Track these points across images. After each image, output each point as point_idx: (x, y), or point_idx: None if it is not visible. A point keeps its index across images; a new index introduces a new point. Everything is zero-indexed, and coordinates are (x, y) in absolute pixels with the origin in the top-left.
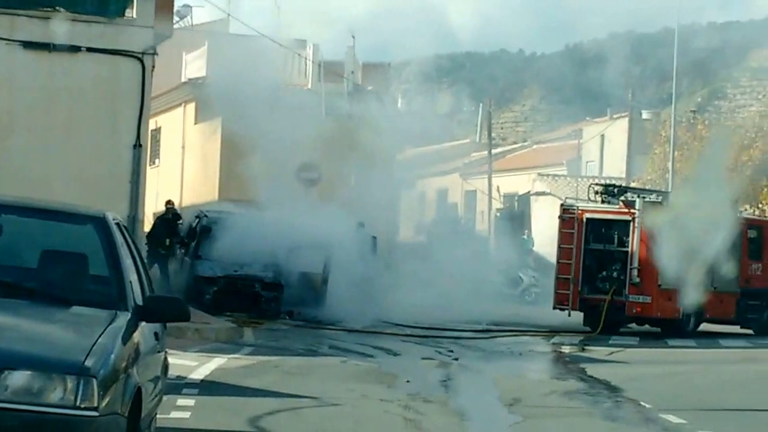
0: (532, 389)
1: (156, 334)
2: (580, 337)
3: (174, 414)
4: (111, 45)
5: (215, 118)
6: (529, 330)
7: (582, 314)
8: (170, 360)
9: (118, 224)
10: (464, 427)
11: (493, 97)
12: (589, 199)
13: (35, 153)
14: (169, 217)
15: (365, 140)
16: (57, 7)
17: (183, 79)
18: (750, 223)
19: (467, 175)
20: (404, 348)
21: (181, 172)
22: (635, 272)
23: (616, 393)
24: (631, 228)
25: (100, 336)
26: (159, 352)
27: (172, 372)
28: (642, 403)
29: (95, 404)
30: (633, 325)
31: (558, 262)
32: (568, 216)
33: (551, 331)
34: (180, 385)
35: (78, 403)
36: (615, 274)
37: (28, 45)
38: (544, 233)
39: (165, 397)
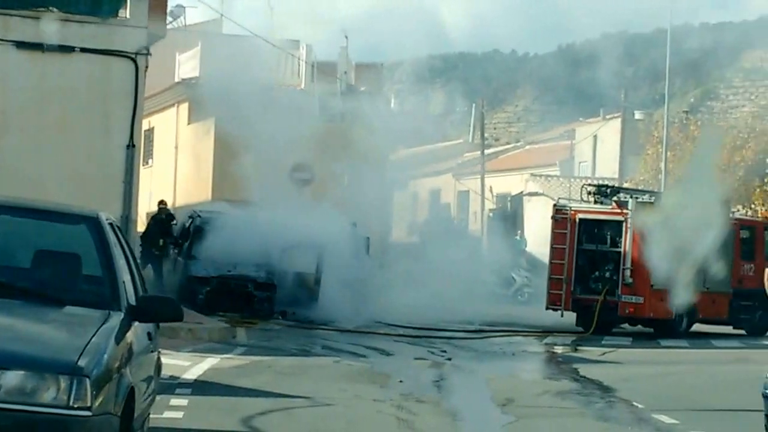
0: (524, 389)
1: (149, 334)
2: (573, 337)
3: (167, 414)
4: (104, 45)
5: (208, 119)
6: (522, 330)
7: (575, 314)
8: (163, 360)
9: (111, 224)
10: (457, 427)
11: (486, 97)
12: (582, 199)
13: (28, 153)
14: (162, 218)
15: (358, 140)
16: (50, 8)
17: (176, 80)
18: (742, 224)
19: (460, 176)
20: (397, 348)
21: (175, 172)
22: (628, 272)
23: (608, 393)
24: (623, 228)
25: (93, 336)
26: (152, 352)
27: (165, 372)
28: (634, 404)
29: (88, 404)
30: (626, 326)
31: (551, 263)
32: (560, 216)
33: (544, 332)
34: (173, 385)
35: (71, 403)
36: (608, 274)
37: (21, 45)
38: (537, 233)
39: (158, 397)
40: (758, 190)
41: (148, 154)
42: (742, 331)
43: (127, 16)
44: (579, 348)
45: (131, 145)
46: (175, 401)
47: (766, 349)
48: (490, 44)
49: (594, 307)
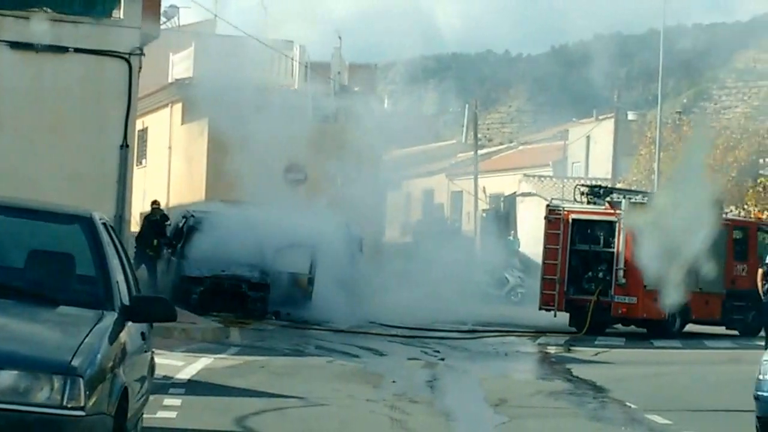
0: (517, 389)
1: (143, 334)
2: (566, 337)
3: (160, 414)
4: (98, 45)
5: (202, 119)
6: (515, 330)
7: (568, 315)
8: (157, 360)
9: (104, 224)
10: (450, 428)
11: (479, 98)
12: (575, 200)
13: (22, 153)
14: (157, 218)
15: (352, 141)
16: (44, 8)
17: (170, 80)
18: (735, 225)
19: (453, 176)
20: (390, 348)
21: (168, 172)
22: (621, 273)
23: (601, 393)
24: (616, 229)
25: (86, 336)
26: (145, 351)
27: (159, 372)
28: (628, 404)
29: (82, 404)
30: (618, 326)
31: (544, 263)
32: (553, 217)
33: (537, 332)
34: (166, 385)
35: (65, 403)
36: (601, 274)
37: (15, 45)
38: (530, 234)
39: (151, 397)
40: (751, 190)
41: (142, 154)
42: (735, 332)
43: (121, 17)
44: (572, 348)
45: (125, 145)
46: (168, 401)
47: (758, 349)
48: (484, 45)
49: (587, 307)
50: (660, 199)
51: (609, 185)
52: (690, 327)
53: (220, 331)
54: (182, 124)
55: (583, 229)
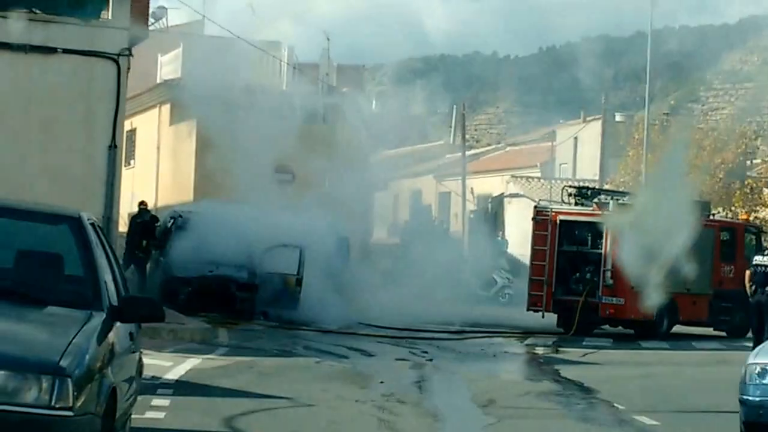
0: (505, 390)
1: (131, 334)
2: (554, 338)
3: (149, 414)
4: (86, 46)
5: (190, 120)
6: (503, 331)
7: (555, 316)
8: (145, 360)
9: (93, 224)
10: (438, 428)
11: (467, 99)
12: (563, 201)
13: (10, 153)
14: (146, 220)
15: (339, 142)
16: (33, 9)
17: (158, 81)
18: (722, 226)
19: (441, 177)
20: (378, 349)
21: (157, 173)
22: (608, 274)
23: (589, 394)
24: (604, 230)
25: (75, 336)
26: (134, 352)
27: (147, 372)
28: (615, 405)
29: (70, 404)
30: (606, 327)
31: (531, 264)
32: (541, 218)
33: (525, 333)
34: (155, 386)
35: (53, 403)
36: (588, 275)
37: (3, 46)
38: (518, 235)
39: (140, 397)
40: (738, 192)
41: (130, 154)
42: (723, 333)
43: (110, 18)
44: (560, 349)
45: (113, 146)
46: (156, 401)
47: (745, 350)
48: (471, 46)
49: (575, 308)
50: (643, 200)
51: (596, 186)
52: (677, 328)
53: (208, 332)
54: (170, 124)
55: (570, 230)
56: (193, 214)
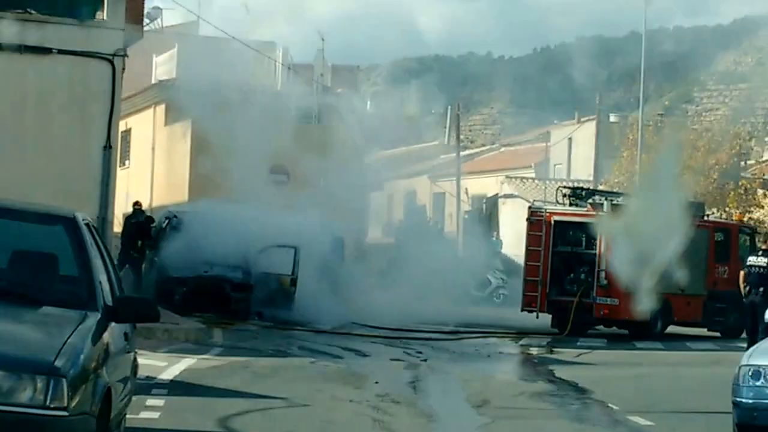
0: (500, 390)
1: (126, 334)
2: (548, 338)
3: (143, 414)
4: (82, 47)
5: (185, 120)
6: (498, 331)
7: (550, 316)
8: (140, 360)
9: (88, 225)
10: (432, 429)
11: (461, 99)
12: (557, 201)
13: (5, 153)
14: (141, 220)
15: (334, 142)
16: (28, 9)
17: (153, 81)
18: (717, 227)
19: (436, 177)
20: (373, 349)
21: (151, 173)
22: (603, 274)
23: (584, 395)
24: (598, 231)
25: (69, 336)
26: (128, 352)
27: (142, 372)
28: (610, 405)
29: (65, 404)
30: (600, 327)
31: (526, 264)
32: (536, 218)
33: (519, 333)
34: (149, 386)
35: (48, 403)
36: (583, 276)
37: None
38: (513, 235)
39: (134, 398)
40: (732, 193)
41: (125, 155)
42: (717, 334)
43: (105, 18)
44: (554, 349)
45: (108, 147)
46: (151, 401)
47: (740, 351)
48: (466, 46)
49: (569, 308)
50: (634, 202)
51: (591, 187)
52: (672, 328)
53: (203, 332)
54: (165, 125)
55: (565, 230)
56: (188, 215)
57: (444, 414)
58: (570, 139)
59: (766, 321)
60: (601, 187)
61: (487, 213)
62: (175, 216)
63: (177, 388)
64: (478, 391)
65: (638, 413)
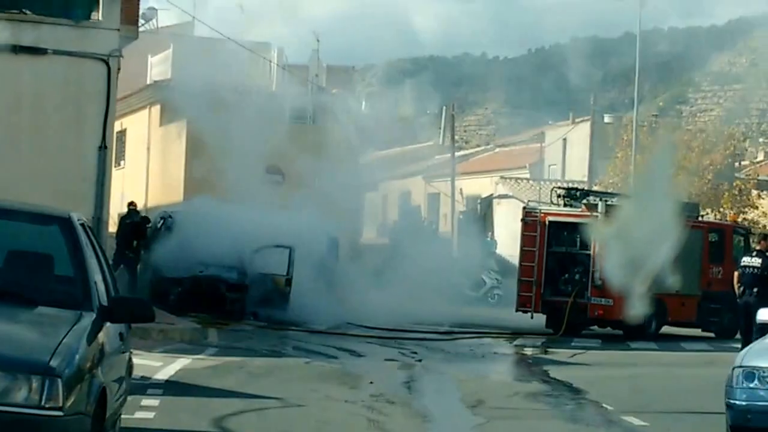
0: (494, 391)
1: (121, 334)
2: (543, 339)
3: (138, 414)
4: (77, 47)
5: (180, 120)
6: (492, 332)
7: (544, 316)
8: (135, 360)
9: (83, 225)
10: (427, 429)
11: (456, 100)
12: (552, 202)
13: (0, 154)
14: (136, 220)
15: (329, 142)
16: (23, 10)
17: (148, 82)
18: (711, 227)
19: (430, 178)
20: (368, 349)
21: (147, 173)
22: (597, 275)
23: (578, 395)
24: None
25: (65, 336)
26: (124, 352)
27: (137, 372)
28: (604, 405)
29: (60, 404)
30: (595, 328)
31: (520, 265)
32: (530, 219)
33: (514, 333)
34: (144, 386)
35: (43, 403)
36: (577, 276)
37: None
38: (507, 236)
39: (129, 398)
40: (727, 193)
41: (120, 155)
42: (711, 334)
43: (100, 19)
44: (549, 350)
45: (103, 147)
46: (146, 401)
47: (734, 351)
48: (461, 47)
49: (564, 309)
50: (628, 203)
51: (585, 188)
52: (666, 329)
53: (198, 332)
54: (160, 125)
55: (559, 231)
56: (183, 215)
57: (439, 414)
58: (564, 139)
59: (758, 321)
60: (595, 188)
61: (482, 213)
62: (170, 216)
63: (172, 388)
64: (472, 391)
65: (632, 413)
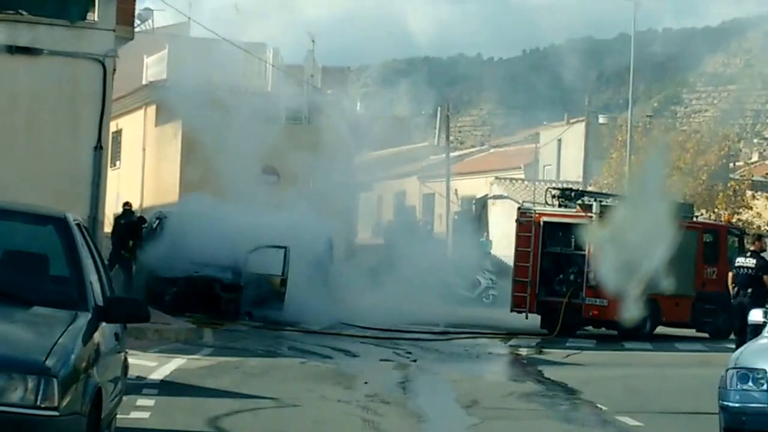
0: (489, 391)
1: (116, 334)
2: (537, 339)
3: (134, 414)
4: (72, 48)
5: (176, 121)
6: (487, 332)
7: (539, 317)
8: (130, 360)
9: (78, 225)
10: (422, 429)
11: (451, 101)
12: (546, 202)
13: None
14: (131, 221)
15: (324, 143)
16: (19, 10)
17: (144, 82)
18: (705, 228)
19: (425, 178)
20: (363, 349)
21: (142, 173)
22: (592, 275)
23: (573, 395)
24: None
25: (60, 336)
26: (119, 352)
27: (132, 372)
28: (599, 406)
29: (56, 404)
30: (589, 328)
31: (515, 265)
32: (525, 219)
33: (509, 334)
34: (140, 386)
35: (38, 403)
36: (572, 277)
37: None
38: (502, 236)
39: (125, 398)
40: (721, 194)
41: (116, 155)
42: (705, 335)
43: (96, 19)
44: (543, 350)
45: (99, 147)
46: (141, 401)
47: (728, 352)
48: (456, 48)
49: (558, 309)
50: (623, 204)
51: (580, 188)
52: (660, 329)
53: (193, 332)
54: (156, 125)
55: (554, 231)
56: (178, 215)
57: (433, 414)
58: (559, 140)
59: (749, 322)
60: (590, 188)
61: (477, 214)
62: (166, 216)
63: (167, 388)
64: (467, 391)
65: (627, 414)
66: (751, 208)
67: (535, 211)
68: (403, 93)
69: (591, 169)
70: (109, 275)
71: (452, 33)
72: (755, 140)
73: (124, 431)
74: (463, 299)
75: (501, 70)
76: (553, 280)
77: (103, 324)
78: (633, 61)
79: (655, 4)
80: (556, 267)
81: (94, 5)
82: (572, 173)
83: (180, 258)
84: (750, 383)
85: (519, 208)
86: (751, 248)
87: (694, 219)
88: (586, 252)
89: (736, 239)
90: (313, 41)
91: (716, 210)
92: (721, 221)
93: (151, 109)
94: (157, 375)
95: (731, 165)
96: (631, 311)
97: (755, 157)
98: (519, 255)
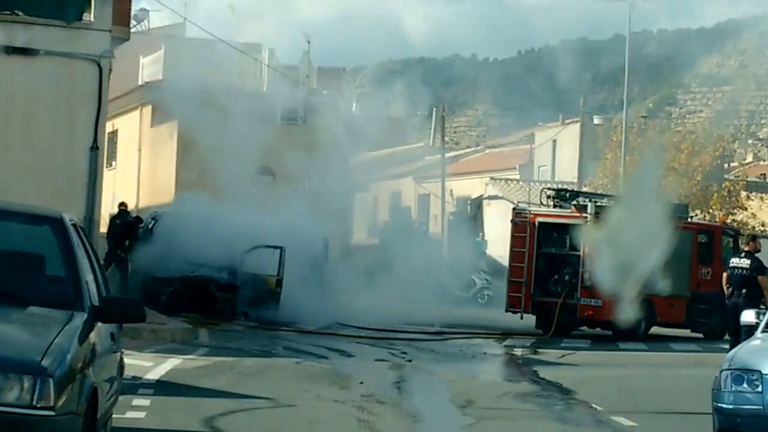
0: (484, 391)
1: (112, 334)
2: (532, 339)
3: (129, 414)
4: (69, 48)
5: (171, 121)
6: (482, 332)
7: (534, 317)
8: (126, 360)
9: (74, 225)
10: (417, 429)
11: (446, 101)
12: (541, 203)
13: None
14: (127, 221)
15: (320, 143)
16: (15, 11)
17: (140, 83)
18: (700, 228)
19: (420, 179)
20: (358, 349)
21: (138, 174)
22: (587, 276)
23: (568, 395)
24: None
25: (56, 336)
26: (115, 352)
27: (128, 372)
28: (594, 406)
29: (51, 404)
30: (584, 328)
31: (510, 266)
32: (520, 220)
33: (504, 334)
34: (136, 386)
35: (34, 403)
36: (567, 277)
37: None
38: (497, 237)
39: (121, 397)
40: (716, 195)
41: (112, 156)
42: (700, 335)
43: (92, 20)
44: (538, 350)
45: (95, 147)
46: (137, 401)
47: (723, 352)
48: (451, 49)
49: (553, 309)
50: (618, 205)
51: (575, 189)
52: (655, 329)
53: (189, 332)
54: (152, 126)
55: (549, 232)
56: (174, 215)
57: (428, 414)
58: (554, 140)
59: (742, 323)
60: (585, 189)
61: (472, 214)
62: (162, 216)
63: (163, 388)
64: (462, 391)
65: (622, 414)
66: (746, 209)
67: (530, 211)
68: (399, 93)
69: (586, 170)
70: (105, 275)
71: (447, 34)
72: (750, 141)
73: (120, 431)
74: (459, 299)
75: (496, 71)
76: (548, 281)
77: (99, 324)
78: (628, 62)
79: (650, 5)
80: (551, 267)
81: (90, 6)
82: (567, 174)
83: (176, 258)
84: (744, 385)
85: (514, 209)
86: (746, 249)
87: (689, 220)
88: (581, 252)
89: (731, 240)
90: (308, 42)
91: (711, 211)
92: (715, 222)
93: (147, 110)
94: (153, 375)
95: (726, 166)
96: (626, 312)
97: (750, 158)
98: (514, 255)
